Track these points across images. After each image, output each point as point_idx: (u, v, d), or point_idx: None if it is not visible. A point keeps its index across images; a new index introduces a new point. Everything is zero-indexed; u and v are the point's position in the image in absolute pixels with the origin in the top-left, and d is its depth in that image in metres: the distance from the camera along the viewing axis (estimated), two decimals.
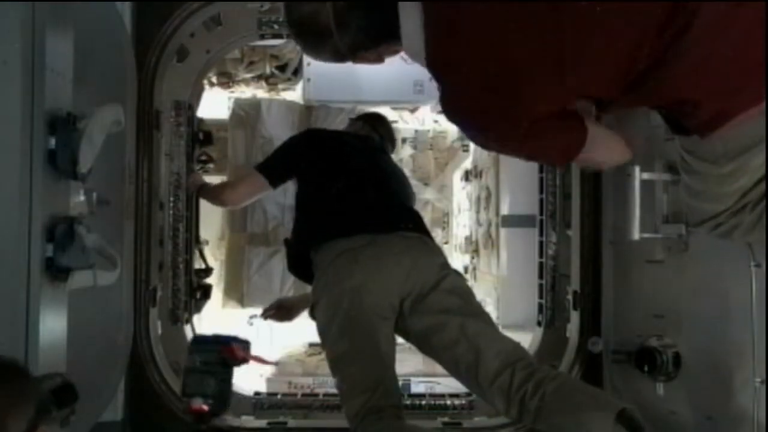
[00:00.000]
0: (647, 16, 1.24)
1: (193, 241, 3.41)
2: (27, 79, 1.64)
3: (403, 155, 6.28)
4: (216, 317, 4.64)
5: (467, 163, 5.58)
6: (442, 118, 5.87)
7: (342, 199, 2.53)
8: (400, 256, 2.36)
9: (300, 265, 2.58)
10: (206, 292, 3.56)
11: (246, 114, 5.21)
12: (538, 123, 1.36)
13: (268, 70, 5.21)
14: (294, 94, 5.38)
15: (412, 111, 5.90)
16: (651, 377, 2.45)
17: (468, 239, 5.48)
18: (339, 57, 1.51)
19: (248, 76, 5.26)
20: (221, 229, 5.47)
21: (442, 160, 6.63)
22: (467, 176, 5.50)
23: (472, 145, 5.54)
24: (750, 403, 2.03)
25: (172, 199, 3.24)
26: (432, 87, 4.40)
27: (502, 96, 1.34)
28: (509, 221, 4.22)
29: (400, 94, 4.53)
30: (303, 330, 4.40)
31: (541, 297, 3.50)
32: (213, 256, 5.14)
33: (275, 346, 5.57)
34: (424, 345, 2.36)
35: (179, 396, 2.64)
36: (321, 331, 2.39)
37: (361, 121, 3.10)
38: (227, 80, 5.28)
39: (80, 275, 1.80)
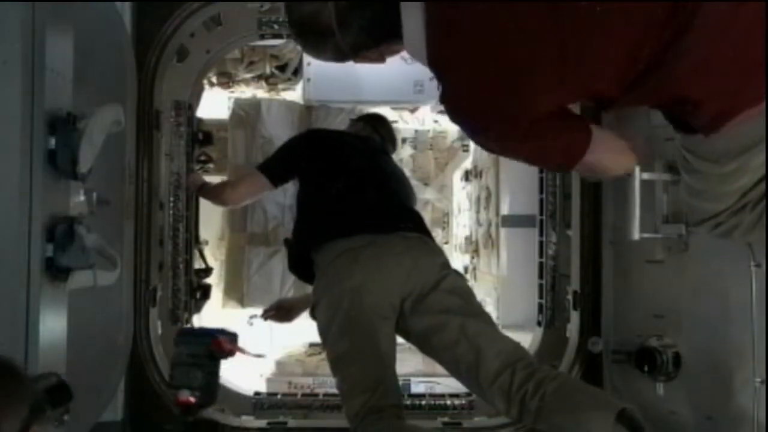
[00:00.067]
0: (647, 16, 1.24)
1: (193, 241, 3.41)
2: (27, 79, 1.64)
3: (403, 155, 6.28)
4: (216, 317, 4.64)
5: (467, 163, 5.58)
6: (442, 118, 5.89)
7: (342, 199, 2.53)
8: (401, 257, 2.36)
9: (301, 266, 2.58)
10: (206, 292, 3.56)
11: (246, 114, 5.21)
12: (538, 123, 1.36)
13: (268, 70, 5.21)
14: (294, 94, 5.38)
15: (412, 111, 5.90)
16: (651, 377, 2.45)
17: (468, 239, 5.48)
18: (341, 56, 1.51)
19: (248, 76, 5.26)
20: (221, 229, 5.47)
21: (442, 160, 6.63)
22: (467, 176, 5.50)
23: (472, 145, 5.54)
24: (750, 403, 2.03)
25: (172, 199, 3.24)
26: (432, 87, 4.40)
27: (502, 95, 1.34)
28: (509, 221, 4.22)
29: (400, 94, 4.53)
30: (303, 330, 4.40)
31: (541, 297, 3.50)
32: (213, 256, 5.14)
33: (275, 346, 5.57)
34: (425, 345, 2.37)
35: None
36: (321, 331, 2.39)
37: (362, 122, 3.10)
38: (227, 80, 5.28)
39: (80, 275, 1.80)
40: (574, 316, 3.11)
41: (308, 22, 1.46)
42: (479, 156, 5.07)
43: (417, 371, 4.53)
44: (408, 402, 3.36)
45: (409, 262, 2.36)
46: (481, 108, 1.37)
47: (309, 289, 2.65)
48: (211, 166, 4.11)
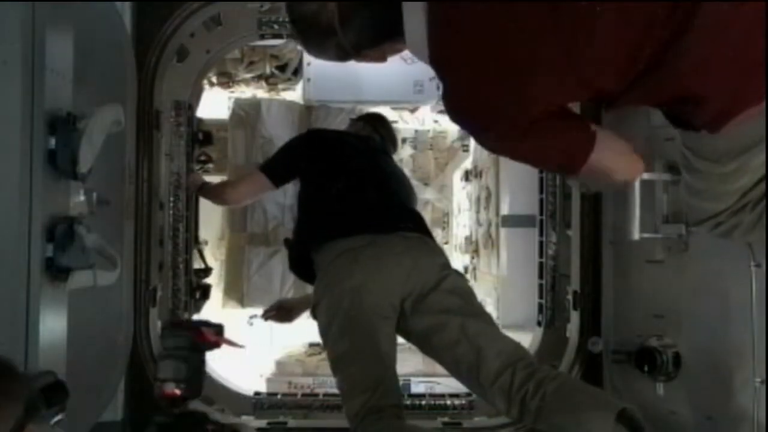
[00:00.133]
0: (647, 16, 1.24)
1: (192, 241, 3.42)
2: (27, 79, 1.64)
3: (403, 155, 6.28)
4: (216, 317, 4.64)
5: (467, 163, 5.58)
6: (442, 118, 5.90)
7: (343, 199, 2.54)
8: (401, 257, 2.36)
9: (301, 266, 2.59)
10: (205, 292, 3.56)
11: (246, 114, 5.21)
12: (538, 123, 1.36)
13: (268, 70, 5.21)
14: (294, 94, 5.38)
15: (412, 111, 5.91)
16: (651, 377, 2.45)
17: (468, 239, 5.48)
18: (342, 55, 1.51)
19: (248, 76, 5.26)
20: (221, 229, 5.47)
21: (442, 160, 6.64)
22: (467, 176, 5.50)
23: (472, 145, 5.55)
24: (750, 403, 2.03)
25: (172, 199, 3.24)
26: (432, 87, 4.45)
27: (502, 95, 1.34)
28: (509, 221, 4.22)
29: (400, 94, 4.53)
30: (303, 330, 4.41)
31: (541, 297, 3.50)
32: (213, 256, 5.14)
33: (275, 346, 5.58)
34: (425, 345, 2.37)
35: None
36: (322, 331, 2.39)
37: (363, 122, 3.10)
38: (227, 80, 5.28)
39: (80, 275, 1.80)
40: (574, 316, 3.11)
41: (310, 20, 1.45)
42: (479, 156, 5.07)
43: (417, 371, 4.53)
44: (408, 402, 3.36)
45: (409, 262, 2.36)
46: (481, 108, 1.37)
47: (309, 289, 2.65)
48: (210, 166, 4.11)
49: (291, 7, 1.52)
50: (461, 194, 5.89)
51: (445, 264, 2.47)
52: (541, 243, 3.49)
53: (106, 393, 2.59)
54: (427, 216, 6.10)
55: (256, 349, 5.46)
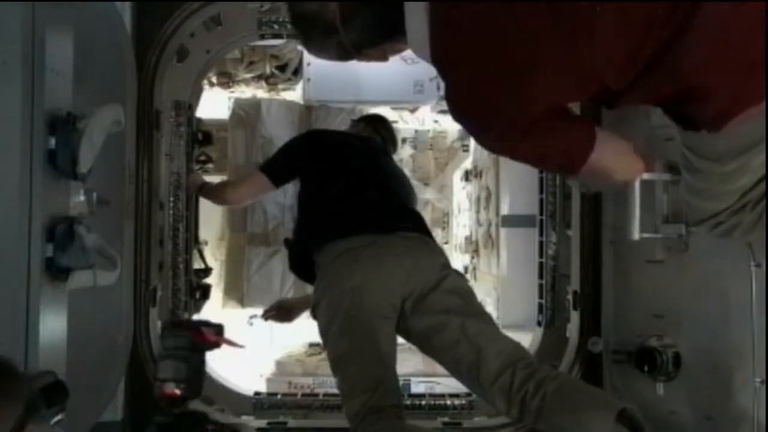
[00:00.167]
0: (647, 16, 1.24)
1: (192, 241, 3.42)
2: (27, 79, 1.64)
3: (403, 155, 6.28)
4: (216, 317, 4.64)
5: (467, 163, 5.58)
6: (442, 118, 5.90)
7: (343, 199, 2.54)
8: (402, 257, 2.36)
9: (302, 266, 2.59)
10: (205, 292, 3.56)
11: (246, 114, 5.21)
12: (538, 123, 1.36)
13: (268, 70, 5.21)
14: (294, 94, 5.38)
15: (412, 111, 5.91)
16: (651, 377, 2.45)
17: (468, 239, 5.48)
18: (343, 54, 1.51)
19: (248, 76, 5.26)
20: (221, 229, 5.47)
21: (442, 160, 6.64)
22: (467, 176, 5.50)
23: (472, 145, 5.55)
24: (750, 403, 2.03)
25: (172, 199, 3.24)
26: (432, 87, 4.45)
27: (502, 95, 1.34)
28: (509, 221, 4.22)
29: (400, 94, 4.54)
30: (303, 330, 4.41)
31: (541, 297, 3.50)
32: (213, 256, 5.14)
33: (275, 346, 5.58)
34: (425, 345, 2.37)
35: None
36: (322, 331, 2.40)
37: (363, 123, 3.11)
38: (227, 80, 5.28)
39: (80, 275, 1.80)
40: (574, 316, 3.11)
41: (312, 19, 1.46)
42: (479, 156, 5.07)
43: (417, 371, 4.53)
44: (408, 402, 3.36)
45: (409, 262, 2.36)
46: (481, 108, 1.37)
47: (309, 289, 2.65)
48: (210, 166, 4.11)
49: (293, 6, 1.52)
50: (461, 194, 5.89)
51: (446, 264, 2.47)
52: (541, 243, 3.49)
53: (106, 393, 2.59)
54: (427, 216, 6.10)
55: (256, 349, 5.47)
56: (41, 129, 1.68)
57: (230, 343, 2.30)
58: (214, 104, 5.25)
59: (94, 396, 2.43)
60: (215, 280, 4.63)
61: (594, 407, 1.98)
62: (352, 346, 2.28)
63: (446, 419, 3.29)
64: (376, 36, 1.47)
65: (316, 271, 2.49)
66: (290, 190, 4.60)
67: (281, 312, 2.96)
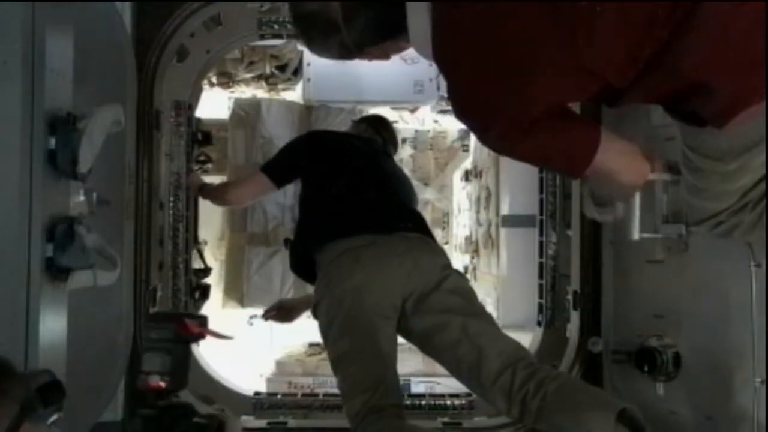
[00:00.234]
0: (647, 16, 1.24)
1: (192, 241, 3.42)
2: (27, 79, 1.64)
3: (403, 155, 6.28)
4: (216, 317, 4.64)
5: (467, 163, 5.58)
6: (442, 118, 5.89)
7: (343, 199, 2.54)
8: (402, 257, 2.36)
9: (303, 266, 2.59)
10: (205, 292, 3.57)
11: (246, 114, 5.20)
12: (538, 123, 1.36)
13: (268, 70, 5.21)
14: (294, 94, 5.38)
15: (412, 111, 5.90)
16: (651, 377, 2.45)
17: (468, 239, 5.48)
18: (345, 53, 1.51)
19: (248, 76, 5.25)
20: (221, 229, 5.47)
21: (442, 160, 6.64)
22: (467, 176, 5.51)
23: (472, 145, 5.55)
24: (750, 403, 2.03)
25: (172, 199, 3.24)
26: (432, 87, 4.44)
27: (502, 95, 1.34)
28: (509, 221, 4.22)
29: (400, 94, 4.54)
30: (303, 330, 4.41)
31: (541, 297, 3.50)
32: (213, 256, 5.14)
33: (275, 346, 5.58)
34: (426, 345, 2.37)
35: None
36: (323, 331, 2.40)
37: (365, 123, 3.12)
38: (227, 80, 5.28)
39: (80, 275, 1.80)
40: (574, 316, 3.11)
41: (314, 18, 1.46)
42: (479, 156, 5.07)
43: (417, 371, 4.53)
44: (408, 402, 3.36)
45: (410, 262, 2.36)
46: (482, 107, 1.37)
47: (309, 289, 2.66)
48: (210, 166, 4.11)
49: (295, 5, 1.52)
50: (461, 194, 5.89)
51: (447, 264, 2.48)
52: (541, 243, 3.49)
53: (106, 393, 2.59)
54: (427, 216, 6.10)
55: (256, 349, 5.47)
56: (41, 129, 1.68)
57: (215, 334, 2.29)
58: (214, 104, 5.25)
59: (94, 396, 2.43)
60: (215, 280, 4.63)
61: (594, 407, 1.98)
62: (352, 346, 2.28)
63: (446, 419, 3.29)
64: (378, 35, 1.47)
65: (317, 271, 2.49)
66: (290, 191, 4.60)
67: (282, 312, 2.96)
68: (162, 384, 1.65)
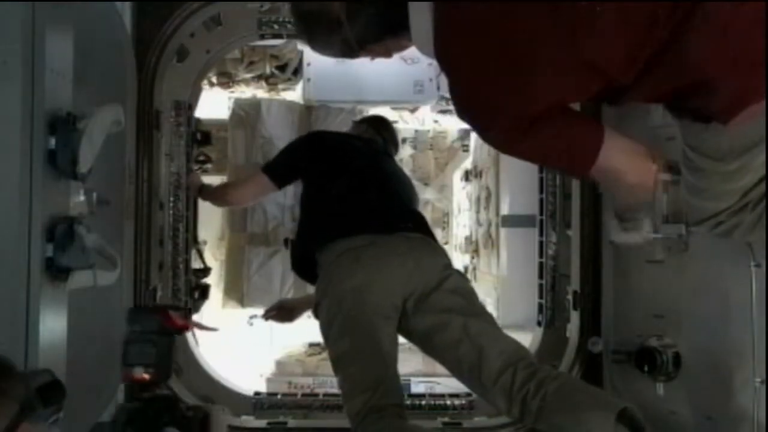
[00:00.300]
0: (647, 16, 1.24)
1: (191, 241, 3.41)
2: (27, 79, 1.64)
3: (403, 155, 6.28)
4: (216, 317, 4.64)
5: (467, 163, 5.58)
6: (442, 118, 5.89)
7: (344, 200, 2.54)
8: (403, 257, 2.36)
9: (304, 266, 2.59)
10: (204, 292, 3.56)
11: (246, 114, 5.21)
12: (538, 123, 1.36)
13: (268, 70, 5.21)
14: (294, 94, 5.38)
15: (412, 111, 5.91)
16: (651, 377, 2.45)
17: (468, 239, 5.48)
18: (347, 50, 1.51)
19: (248, 76, 5.26)
20: (221, 229, 5.47)
21: (442, 160, 6.64)
22: (467, 176, 5.51)
23: (472, 145, 5.55)
24: (750, 403, 2.03)
25: (172, 199, 3.24)
26: (432, 87, 4.44)
27: (502, 96, 1.34)
28: (509, 221, 4.22)
29: (400, 94, 4.54)
30: (303, 330, 4.41)
31: (541, 297, 3.50)
32: (213, 256, 5.14)
33: (275, 346, 5.58)
34: (427, 345, 2.37)
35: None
36: (323, 331, 2.40)
37: (365, 124, 3.12)
38: (227, 80, 5.28)
39: (80, 275, 1.80)
40: (574, 316, 3.11)
41: (316, 15, 1.46)
42: (479, 156, 5.07)
43: (417, 371, 4.53)
44: (408, 402, 3.36)
45: (411, 262, 2.36)
46: (483, 107, 1.37)
47: (310, 289, 2.66)
48: (209, 166, 4.11)
49: (297, 3, 1.52)
50: (461, 194, 5.90)
51: (447, 264, 2.48)
52: (541, 243, 3.49)
53: (106, 393, 2.59)
54: (427, 216, 6.07)
55: (256, 349, 5.47)
56: (41, 129, 1.68)
57: (200, 326, 2.28)
58: (214, 104, 5.25)
59: (94, 396, 2.42)
60: (215, 280, 4.63)
61: (594, 407, 1.99)
62: (353, 346, 2.28)
63: (446, 419, 3.29)
64: (380, 31, 1.47)
65: (318, 271, 2.49)
66: (290, 191, 4.60)
67: (282, 312, 2.97)
68: (146, 376, 1.65)
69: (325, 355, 4.41)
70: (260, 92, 5.43)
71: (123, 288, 2.64)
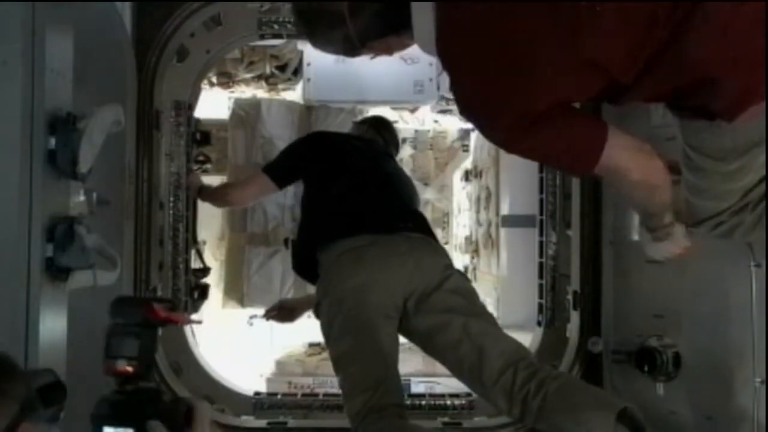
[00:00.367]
0: (647, 17, 1.24)
1: (191, 241, 3.41)
2: (27, 79, 1.64)
3: (403, 155, 6.27)
4: (216, 317, 4.64)
5: (467, 163, 5.58)
6: (442, 118, 5.89)
7: (345, 200, 2.55)
8: (404, 257, 2.36)
9: (305, 266, 2.59)
10: (203, 291, 3.56)
11: (246, 114, 5.20)
12: (539, 123, 1.36)
13: (268, 70, 5.20)
14: (294, 94, 5.38)
15: (412, 111, 5.90)
16: (651, 377, 2.45)
17: (468, 239, 5.48)
18: (349, 48, 1.50)
19: (248, 76, 5.25)
20: (221, 229, 5.47)
21: (442, 160, 6.63)
22: (467, 176, 5.51)
23: (472, 145, 5.55)
24: (750, 403, 2.03)
25: (172, 199, 3.24)
26: (432, 87, 4.44)
27: (502, 95, 1.35)
28: (509, 221, 4.22)
29: (400, 94, 4.53)
30: (303, 330, 4.41)
31: (541, 297, 3.50)
32: (213, 256, 5.14)
33: (275, 346, 5.58)
34: (428, 345, 2.37)
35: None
36: (324, 331, 2.40)
37: (366, 124, 3.12)
38: (227, 80, 5.27)
39: (80, 275, 1.80)
40: (574, 316, 3.12)
41: (318, 11, 1.46)
42: (479, 156, 5.07)
43: (417, 371, 4.53)
44: (408, 402, 3.35)
45: (412, 262, 2.36)
46: (485, 106, 1.38)
47: (310, 289, 2.66)
48: (209, 166, 4.11)
49: (298, 2, 1.52)
50: (461, 194, 5.90)
51: (448, 264, 2.48)
52: (541, 243, 3.49)
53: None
54: (427, 216, 6.09)
55: (256, 349, 5.47)
56: (41, 129, 1.68)
57: (185, 320, 2.27)
58: (214, 104, 5.25)
59: (94, 396, 2.42)
60: (215, 280, 4.63)
61: (595, 407, 1.99)
62: (353, 345, 2.28)
63: (446, 419, 3.29)
64: (383, 29, 1.47)
65: (318, 271, 2.49)
66: (290, 191, 4.60)
67: (283, 312, 2.97)
68: (129, 369, 1.64)
69: (325, 355, 4.41)
70: (260, 92, 5.43)
71: (123, 288, 2.63)
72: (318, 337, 2.47)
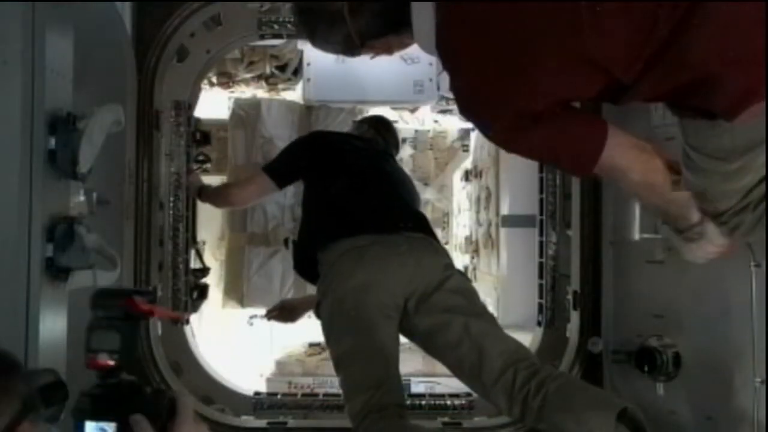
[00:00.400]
0: (647, 16, 1.24)
1: (190, 241, 3.41)
2: (27, 79, 1.64)
3: (403, 155, 6.27)
4: (216, 317, 4.64)
5: (467, 163, 5.58)
6: (442, 118, 5.89)
7: (345, 199, 2.55)
8: (405, 256, 2.37)
9: (306, 266, 2.59)
10: (203, 291, 3.56)
11: (246, 114, 5.20)
12: (540, 122, 1.36)
13: (268, 70, 5.20)
14: (294, 94, 5.38)
15: (412, 111, 5.90)
16: (651, 377, 2.45)
17: (468, 239, 5.48)
18: (349, 47, 1.50)
19: (248, 76, 5.25)
20: (221, 229, 5.47)
21: (442, 160, 6.63)
22: (467, 176, 5.50)
23: (472, 145, 5.55)
24: (750, 403, 2.03)
25: (172, 199, 3.24)
26: (432, 87, 4.44)
27: (502, 95, 1.35)
28: (509, 221, 4.22)
29: (400, 94, 4.52)
30: (303, 330, 4.41)
31: (541, 297, 3.50)
32: (213, 256, 5.14)
33: (275, 346, 5.57)
34: (429, 345, 2.37)
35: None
36: (325, 330, 2.40)
37: (366, 124, 3.12)
38: (227, 80, 5.27)
39: (80, 275, 1.80)
40: (574, 316, 3.11)
41: (318, 9, 1.46)
42: (479, 156, 5.07)
43: (417, 371, 4.53)
44: (408, 402, 3.35)
45: (412, 262, 2.36)
46: (484, 105, 1.38)
47: (310, 289, 2.66)
48: (209, 166, 4.11)
49: (298, 2, 1.52)
50: (461, 194, 5.89)
51: (449, 264, 2.48)
52: (541, 243, 3.49)
53: None
54: (427, 216, 6.09)
55: (256, 349, 5.47)
56: (41, 129, 1.68)
57: (167, 314, 2.26)
58: (214, 104, 5.24)
59: None
60: (215, 280, 4.63)
61: (595, 407, 1.99)
62: (354, 345, 2.29)
63: (446, 419, 3.29)
64: (383, 28, 1.47)
65: (319, 271, 2.49)
66: (290, 191, 4.59)
67: (284, 312, 2.97)
68: (110, 362, 1.64)
69: (325, 355, 4.41)
70: (260, 92, 5.43)
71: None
72: (318, 337, 2.47)
